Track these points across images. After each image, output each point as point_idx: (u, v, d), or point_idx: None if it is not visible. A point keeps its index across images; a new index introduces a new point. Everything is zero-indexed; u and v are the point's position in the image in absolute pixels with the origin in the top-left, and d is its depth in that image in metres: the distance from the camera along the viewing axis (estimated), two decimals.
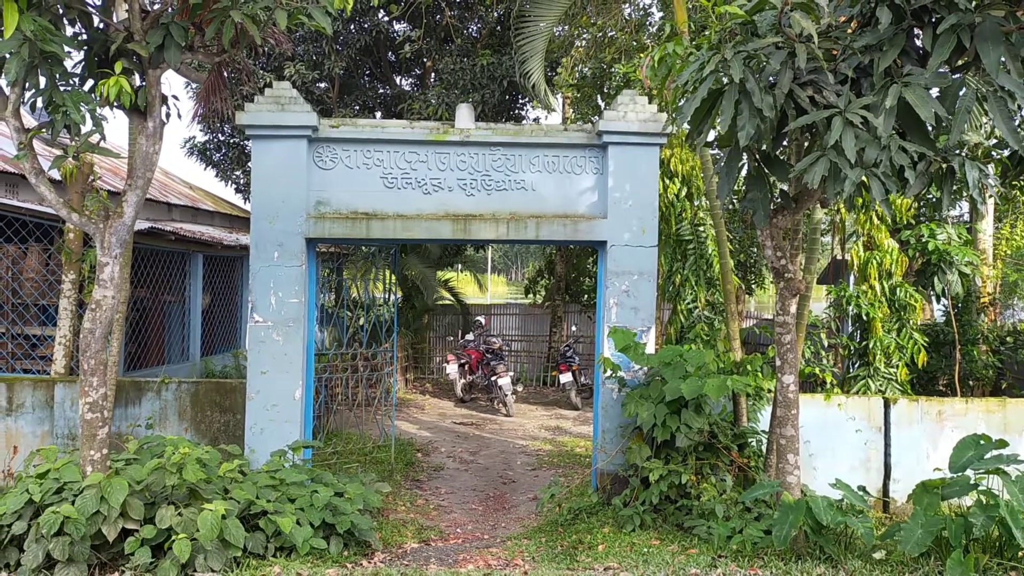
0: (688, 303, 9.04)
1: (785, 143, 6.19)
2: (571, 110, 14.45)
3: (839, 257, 11.75)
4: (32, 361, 9.52)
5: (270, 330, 7.95)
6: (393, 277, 10.28)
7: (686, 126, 6.02)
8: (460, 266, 24.48)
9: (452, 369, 16.29)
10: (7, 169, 10.86)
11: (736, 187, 7.37)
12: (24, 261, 9.59)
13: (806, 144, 6.24)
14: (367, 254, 17.07)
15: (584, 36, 12.28)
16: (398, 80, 19.19)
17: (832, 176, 5.16)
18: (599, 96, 12.77)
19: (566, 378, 15.52)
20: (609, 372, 7.93)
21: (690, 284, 8.97)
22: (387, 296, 10.25)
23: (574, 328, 18.02)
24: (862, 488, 6.43)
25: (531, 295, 20.67)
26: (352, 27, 16.45)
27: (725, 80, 5.32)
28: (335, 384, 10.37)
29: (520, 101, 18.15)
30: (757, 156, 5.95)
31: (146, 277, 10.96)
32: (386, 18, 16.80)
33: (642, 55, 10.13)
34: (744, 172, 6.13)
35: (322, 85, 17.43)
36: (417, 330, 18.74)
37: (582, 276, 19.31)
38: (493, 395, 15.44)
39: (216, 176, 19.19)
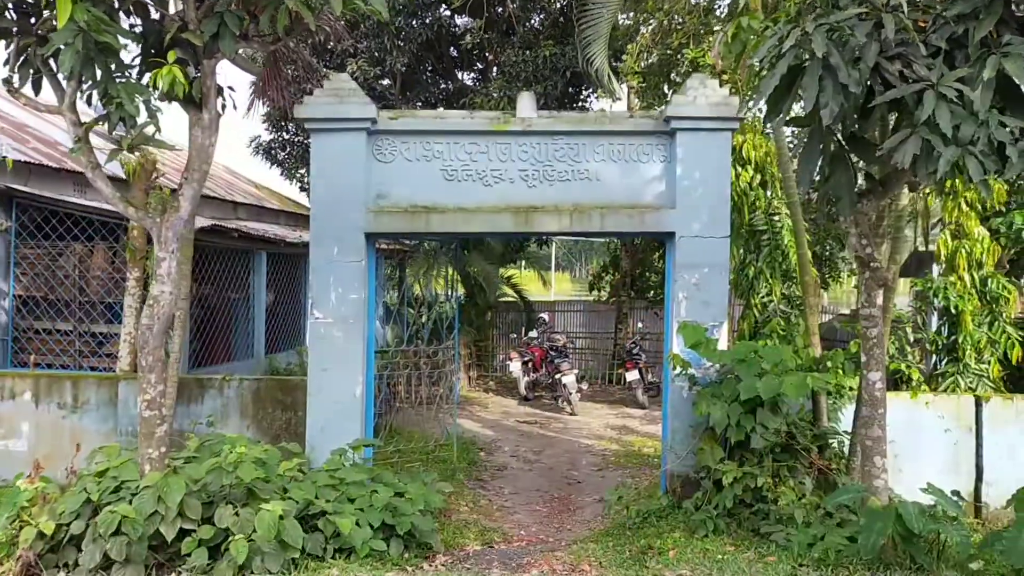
0: (762, 297, 8.59)
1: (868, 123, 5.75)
2: (637, 100, 14.08)
3: (920, 248, 11.12)
4: (99, 359, 9.60)
5: (331, 327, 7.81)
6: (455, 273, 10.08)
7: (762, 108, 5.67)
8: (524, 263, 24.26)
9: (515, 367, 16.04)
10: (77, 169, 10.99)
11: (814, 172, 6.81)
12: (90, 259, 9.67)
13: (892, 123, 5.80)
14: (429, 251, 16.96)
15: (650, 22, 11.86)
16: (460, 75, 19.05)
17: (925, 155, 4.75)
18: (666, 84, 12.36)
19: (632, 376, 15.14)
20: (679, 369, 7.57)
21: (764, 277, 8.53)
22: (449, 293, 10.04)
23: (640, 324, 17.60)
24: (956, 493, 5.96)
25: (595, 291, 20.30)
26: (414, 22, 16.33)
27: (806, 56, 4.94)
28: (396, 382, 10.21)
29: (584, 92, 17.81)
30: (840, 137, 5.55)
31: (211, 274, 10.99)
32: (447, 12, 16.65)
33: (711, 37, 9.72)
34: (823, 157, 5.73)
35: (385, 82, 17.37)
36: (480, 327, 18.54)
37: (648, 271, 18.86)
38: (557, 393, 15.15)
39: (281, 175, 19.33)
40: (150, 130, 5.61)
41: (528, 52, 15.85)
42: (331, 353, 7.80)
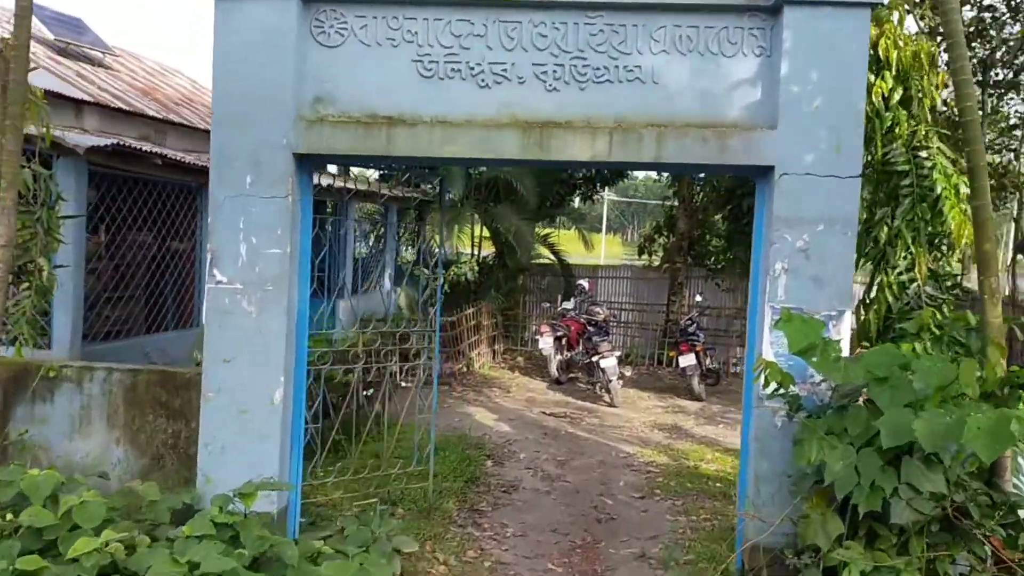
0: (899, 273, 5.66)
1: None
2: None
3: None
4: None
5: (237, 296, 5.15)
6: (437, 227, 7.30)
7: None
8: (571, 223, 21.53)
9: (546, 343, 13.33)
10: None
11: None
12: None
13: None
14: (453, 200, 14.33)
15: None
16: None
17: None
18: None
19: (687, 360, 12.32)
20: (773, 386, 4.75)
21: (904, 242, 5.60)
22: (439, 253, 7.25)
23: (699, 297, 14.65)
24: None
25: (646, 255, 17.40)
26: None
27: None
28: (343, 384, 7.41)
29: None
30: None
31: (133, 216, 8.38)
32: None
33: None
34: None
35: None
36: (509, 293, 15.91)
37: (709, 234, 15.96)
38: (595, 378, 12.42)
39: None
40: None
41: None
42: (238, 336, 5.14)
